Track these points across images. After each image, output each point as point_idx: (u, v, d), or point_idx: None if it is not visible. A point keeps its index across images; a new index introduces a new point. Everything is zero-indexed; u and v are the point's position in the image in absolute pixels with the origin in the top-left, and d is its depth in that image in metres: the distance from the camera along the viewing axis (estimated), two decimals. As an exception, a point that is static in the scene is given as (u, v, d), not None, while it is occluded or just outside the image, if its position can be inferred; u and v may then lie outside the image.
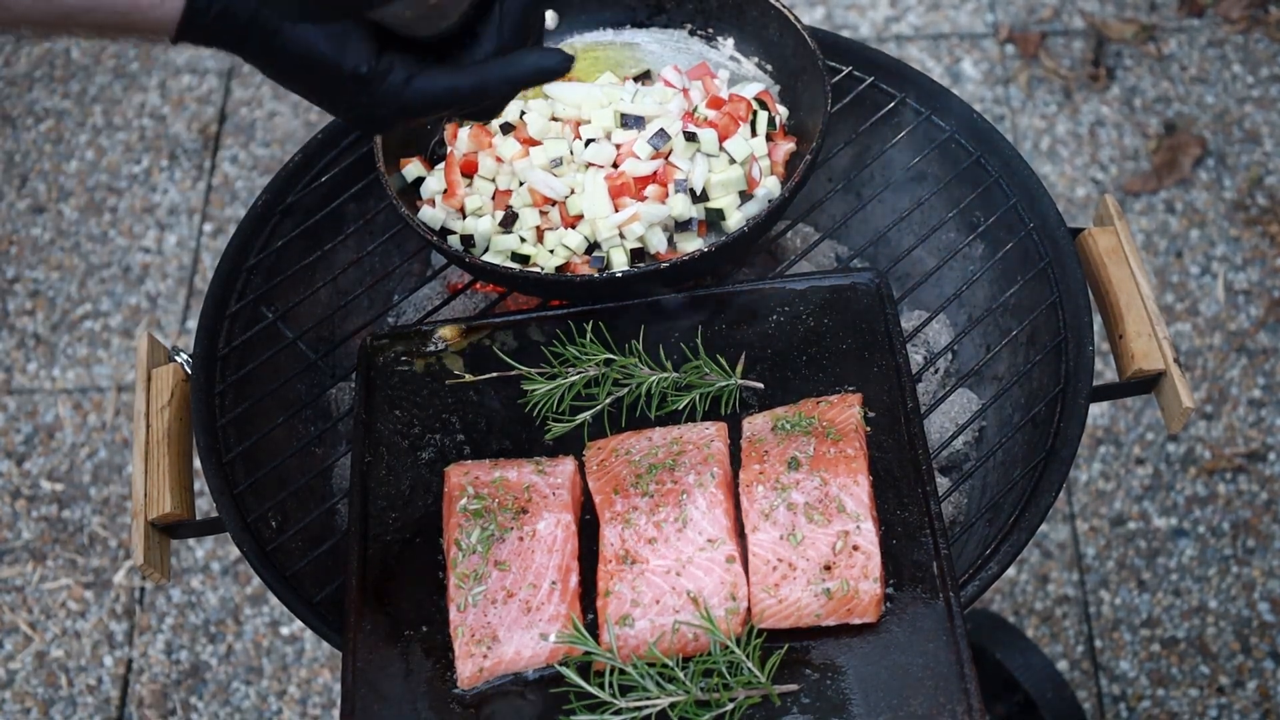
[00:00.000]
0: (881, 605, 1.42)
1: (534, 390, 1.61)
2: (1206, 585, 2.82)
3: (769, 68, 1.85)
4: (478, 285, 1.88)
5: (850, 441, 1.50)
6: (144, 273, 3.40)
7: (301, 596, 1.60)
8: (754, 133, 1.75)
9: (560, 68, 1.28)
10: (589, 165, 1.71)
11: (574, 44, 1.91)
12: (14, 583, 3.01)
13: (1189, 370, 3.05)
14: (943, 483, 1.78)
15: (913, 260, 1.95)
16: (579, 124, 1.74)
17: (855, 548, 1.42)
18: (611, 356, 1.62)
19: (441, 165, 1.79)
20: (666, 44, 1.90)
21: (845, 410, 1.54)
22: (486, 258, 1.71)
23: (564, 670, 1.40)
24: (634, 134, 1.71)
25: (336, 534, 1.69)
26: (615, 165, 1.71)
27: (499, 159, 1.74)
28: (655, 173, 1.70)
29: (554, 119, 1.75)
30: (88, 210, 3.52)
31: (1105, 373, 2.98)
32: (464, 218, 1.75)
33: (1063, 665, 2.76)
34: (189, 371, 1.78)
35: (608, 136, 1.72)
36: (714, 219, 1.71)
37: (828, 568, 1.42)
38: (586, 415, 1.60)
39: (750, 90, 1.79)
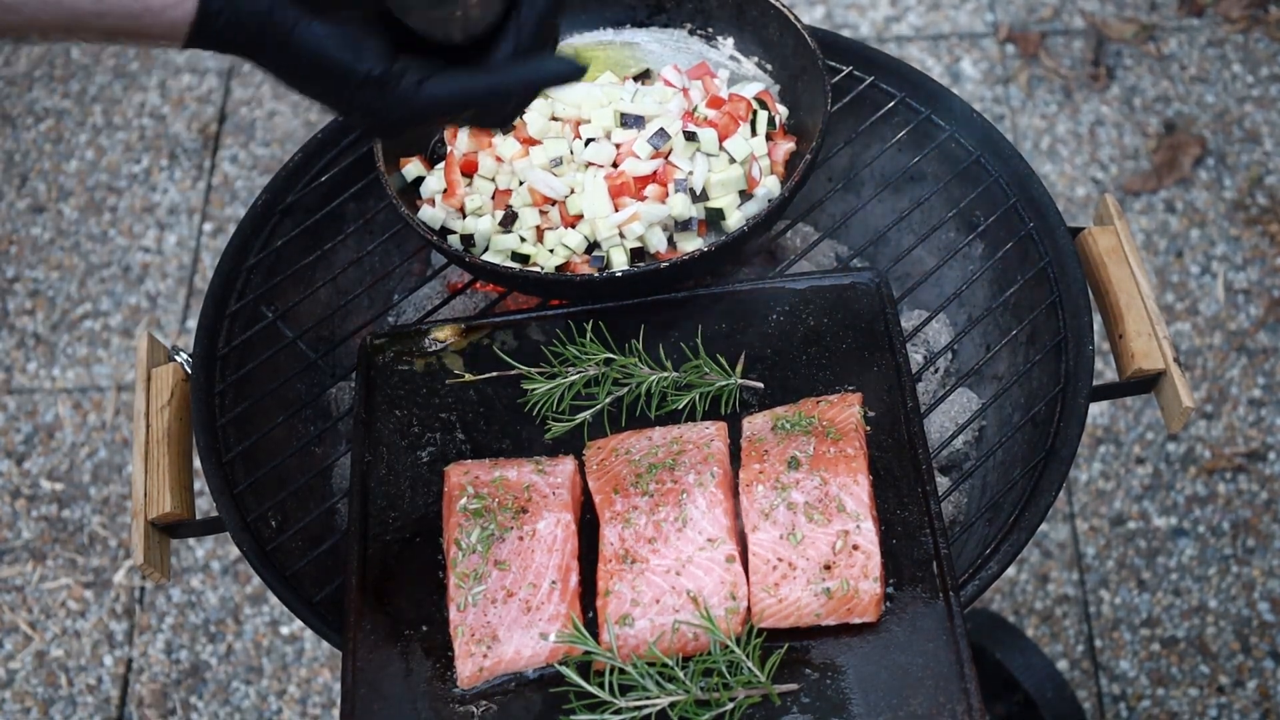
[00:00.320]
0: (881, 605, 1.42)
1: (534, 390, 1.61)
2: (1206, 585, 2.82)
3: (769, 67, 1.85)
4: (478, 285, 1.88)
5: (850, 441, 1.50)
6: (144, 272, 3.40)
7: (301, 596, 1.60)
8: (754, 132, 1.75)
9: (574, 74, 1.27)
10: (589, 165, 1.71)
11: (574, 43, 1.91)
12: (14, 582, 3.01)
13: (1189, 370, 3.05)
14: (943, 482, 1.78)
15: (912, 260, 1.95)
16: (579, 123, 1.74)
17: (855, 547, 1.42)
18: (611, 356, 1.62)
19: (441, 165, 1.79)
20: (666, 43, 1.90)
21: (845, 410, 1.54)
22: (486, 257, 1.71)
23: (564, 670, 1.40)
24: (634, 133, 1.71)
25: (336, 534, 1.69)
26: (615, 165, 1.71)
27: (499, 158, 1.74)
28: (655, 172, 1.70)
29: (554, 118, 1.75)
30: (88, 210, 3.52)
31: (1105, 372, 2.98)
32: (464, 217, 1.75)
33: (1063, 665, 2.76)
34: (189, 371, 1.78)
35: (608, 136, 1.72)
36: (714, 219, 1.71)
37: (828, 567, 1.42)
38: (586, 415, 1.60)
39: (750, 90, 1.79)
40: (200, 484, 2.68)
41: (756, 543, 1.44)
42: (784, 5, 1.80)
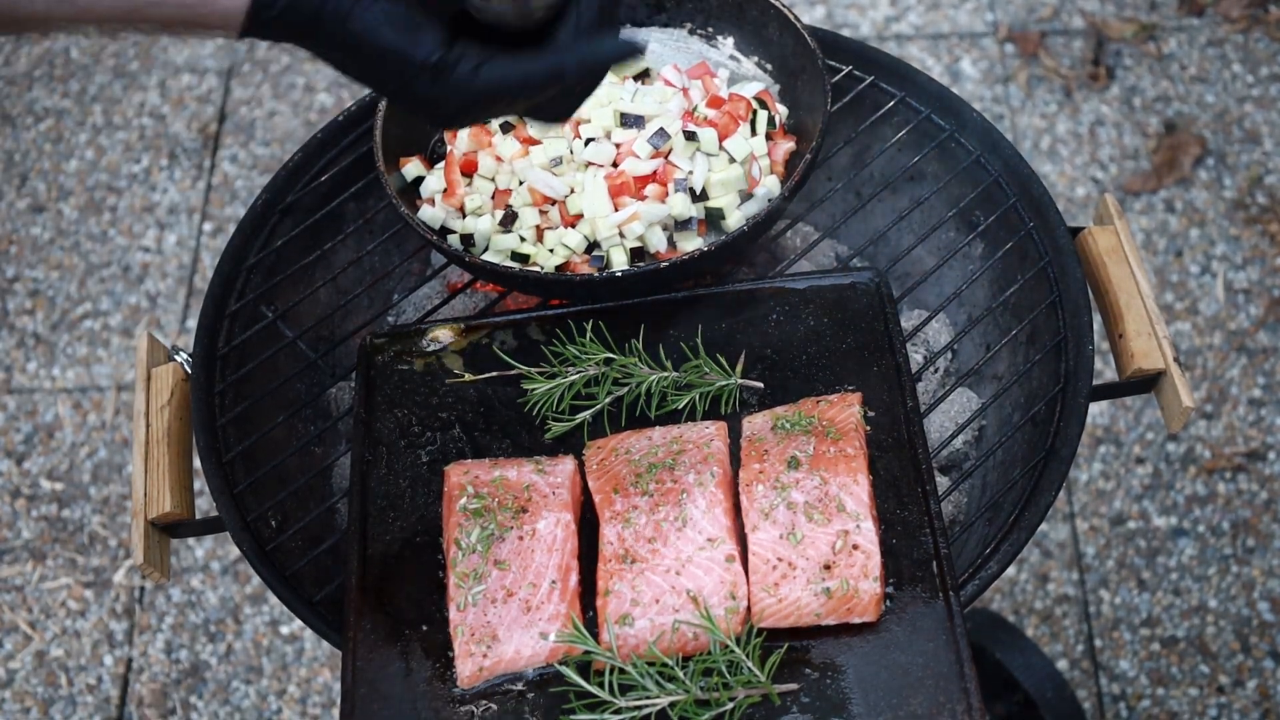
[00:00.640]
0: (881, 605, 1.42)
1: (534, 390, 1.61)
2: (1206, 585, 2.82)
3: (769, 67, 1.85)
4: (478, 285, 1.88)
5: (850, 441, 1.50)
6: (144, 272, 3.40)
7: (301, 596, 1.60)
8: (754, 132, 1.75)
9: (635, 53, 1.23)
10: (589, 164, 1.71)
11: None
12: (14, 582, 3.01)
13: (1189, 370, 3.05)
14: (943, 482, 1.78)
15: (912, 260, 1.95)
16: (579, 123, 1.74)
17: (855, 547, 1.42)
18: (611, 356, 1.62)
19: (441, 164, 1.79)
20: (666, 43, 1.90)
21: (845, 409, 1.54)
22: (486, 257, 1.71)
23: (564, 670, 1.40)
24: (634, 133, 1.71)
25: (336, 534, 1.69)
26: (615, 164, 1.71)
27: (499, 158, 1.74)
28: (655, 172, 1.69)
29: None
30: (87, 210, 3.52)
31: (1105, 372, 2.98)
32: (464, 217, 1.75)
33: (1063, 665, 2.76)
34: (189, 371, 1.78)
35: (607, 136, 1.72)
36: (714, 218, 1.71)
37: (827, 567, 1.42)
38: (586, 415, 1.60)
39: (750, 89, 1.79)
40: (200, 484, 2.68)
41: (756, 542, 1.44)
42: (784, 5, 1.80)
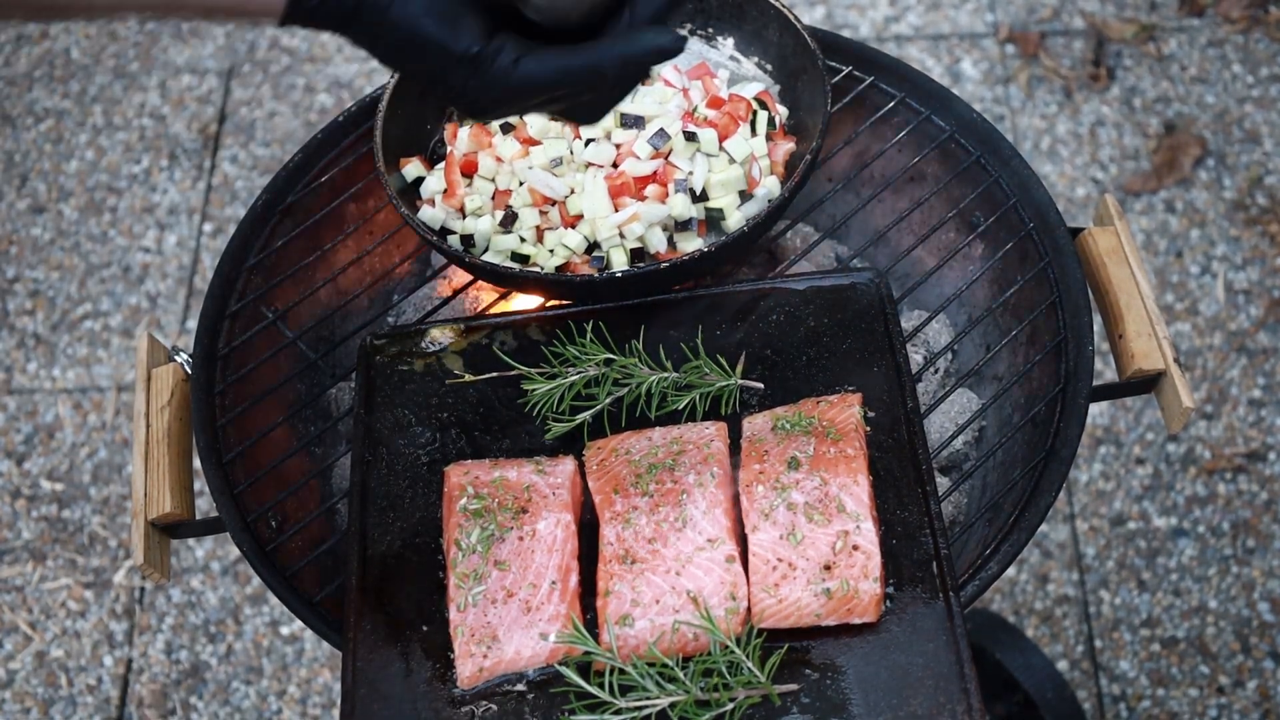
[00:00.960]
0: (881, 605, 1.42)
1: (534, 390, 1.61)
2: (1206, 585, 2.82)
3: (769, 67, 1.85)
4: (478, 285, 1.88)
5: (850, 441, 1.50)
6: (144, 273, 3.40)
7: (301, 596, 1.60)
8: (754, 132, 1.75)
9: (676, 47, 1.21)
10: (589, 165, 1.71)
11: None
12: (14, 583, 3.01)
13: (1189, 370, 3.05)
14: (943, 483, 1.78)
15: (913, 260, 1.95)
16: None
17: (855, 547, 1.42)
18: (611, 356, 1.62)
19: (441, 165, 1.79)
20: (666, 44, 1.89)
21: (845, 410, 1.54)
22: (486, 258, 1.71)
23: (564, 670, 1.40)
24: (634, 134, 1.71)
25: (336, 534, 1.69)
26: (615, 165, 1.71)
27: (499, 159, 1.74)
28: (655, 172, 1.69)
29: (554, 118, 1.75)
30: (88, 210, 3.52)
31: (1105, 373, 2.98)
32: (464, 217, 1.75)
33: (1063, 665, 2.76)
34: (189, 371, 1.78)
35: (607, 136, 1.72)
36: (714, 219, 1.71)
37: (828, 567, 1.42)
38: (586, 415, 1.60)
39: (750, 90, 1.79)
40: (200, 484, 2.68)
41: (756, 543, 1.44)
42: (784, 5, 1.80)
